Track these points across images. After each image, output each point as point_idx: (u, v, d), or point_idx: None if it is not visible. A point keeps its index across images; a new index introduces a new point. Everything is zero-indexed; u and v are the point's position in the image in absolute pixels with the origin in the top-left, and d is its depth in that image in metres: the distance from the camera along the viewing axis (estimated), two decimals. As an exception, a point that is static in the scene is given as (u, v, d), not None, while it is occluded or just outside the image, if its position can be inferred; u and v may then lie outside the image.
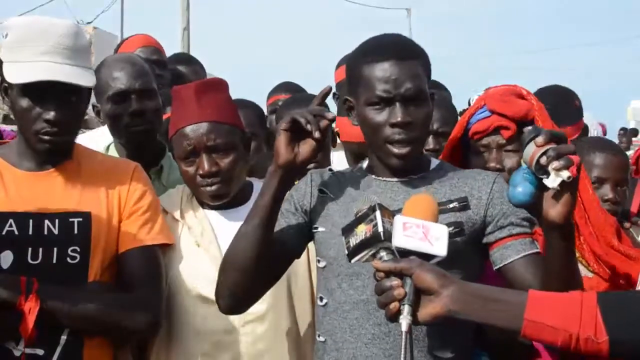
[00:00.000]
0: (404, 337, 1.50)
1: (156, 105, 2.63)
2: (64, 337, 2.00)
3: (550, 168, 1.55)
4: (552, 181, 1.57)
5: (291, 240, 1.95)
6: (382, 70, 1.86)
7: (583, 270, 2.10)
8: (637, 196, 3.19)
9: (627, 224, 2.57)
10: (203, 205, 2.29)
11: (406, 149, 1.86)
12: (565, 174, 1.55)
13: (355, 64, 1.93)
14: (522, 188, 1.62)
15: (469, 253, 1.85)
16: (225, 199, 2.23)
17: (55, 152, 2.07)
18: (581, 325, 1.44)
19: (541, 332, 1.46)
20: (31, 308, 1.90)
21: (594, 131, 3.98)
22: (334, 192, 1.96)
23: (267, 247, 1.86)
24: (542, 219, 1.65)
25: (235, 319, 2.15)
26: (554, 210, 1.61)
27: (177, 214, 2.28)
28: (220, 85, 2.29)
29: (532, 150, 1.58)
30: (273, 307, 2.19)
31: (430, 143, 2.73)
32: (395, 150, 1.86)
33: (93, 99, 2.72)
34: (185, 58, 3.88)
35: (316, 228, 1.95)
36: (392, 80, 1.84)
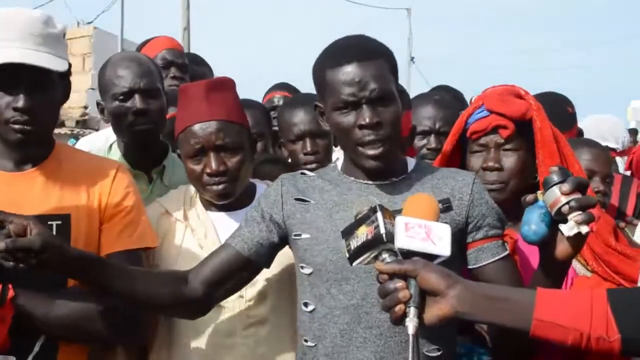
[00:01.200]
0: (411, 340, 1.47)
1: (160, 105, 2.62)
2: (38, 344, 1.95)
3: (570, 218, 1.61)
4: (569, 230, 1.63)
5: (252, 250, 1.96)
6: (345, 74, 1.84)
7: (582, 270, 2.11)
8: (633, 197, 3.23)
9: (622, 224, 2.60)
10: (206, 206, 2.28)
11: (379, 149, 1.86)
12: (584, 229, 1.61)
13: (320, 69, 1.92)
14: (536, 227, 1.68)
15: (453, 254, 1.82)
16: (231, 199, 2.22)
17: (28, 144, 1.99)
18: (592, 324, 1.43)
19: (551, 332, 1.45)
20: (4, 316, 1.85)
21: (623, 138, 3.94)
22: (313, 197, 1.95)
23: (152, 297, 1.93)
24: (544, 250, 1.72)
25: (237, 321, 2.15)
26: (560, 248, 1.69)
27: (179, 216, 2.27)
28: (228, 85, 2.28)
29: (555, 196, 1.63)
30: (275, 310, 2.19)
31: (432, 142, 2.74)
32: (369, 151, 1.86)
33: (98, 97, 2.70)
34: (198, 60, 3.88)
35: (298, 235, 1.93)
36: (356, 83, 1.84)
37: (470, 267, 1.90)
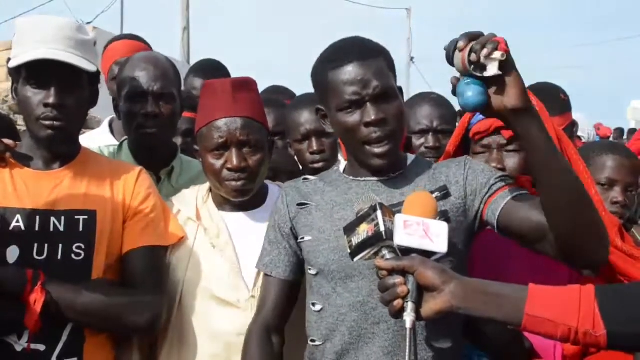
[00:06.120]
0: (408, 333, 1.52)
1: (171, 110, 2.61)
2: (66, 333, 2.01)
3: (482, 58, 1.57)
4: (491, 68, 1.59)
5: (288, 271, 2.03)
6: (347, 74, 1.86)
7: (587, 271, 2.10)
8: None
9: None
10: (218, 206, 2.30)
11: (386, 147, 1.87)
12: (498, 54, 1.57)
13: (321, 72, 1.93)
14: (471, 92, 1.62)
15: (457, 240, 1.85)
16: (247, 197, 2.23)
17: (57, 141, 2.08)
18: (579, 319, 1.46)
19: (541, 326, 1.49)
20: (37, 299, 1.91)
21: (590, 133, 4.03)
22: (314, 200, 1.98)
23: None
24: (508, 121, 1.64)
25: (248, 321, 2.14)
26: (507, 97, 1.61)
27: (192, 215, 2.28)
28: (253, 85, 2.30)
29: (460, 57, 1.61)
30: None
31: (430, 141, 2.74)
32: (375, 150, 1.87)
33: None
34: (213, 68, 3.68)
35: (302, 238, 1.97)
36: (359, 82, 1.85)
37: (496, 223, 1.82)
